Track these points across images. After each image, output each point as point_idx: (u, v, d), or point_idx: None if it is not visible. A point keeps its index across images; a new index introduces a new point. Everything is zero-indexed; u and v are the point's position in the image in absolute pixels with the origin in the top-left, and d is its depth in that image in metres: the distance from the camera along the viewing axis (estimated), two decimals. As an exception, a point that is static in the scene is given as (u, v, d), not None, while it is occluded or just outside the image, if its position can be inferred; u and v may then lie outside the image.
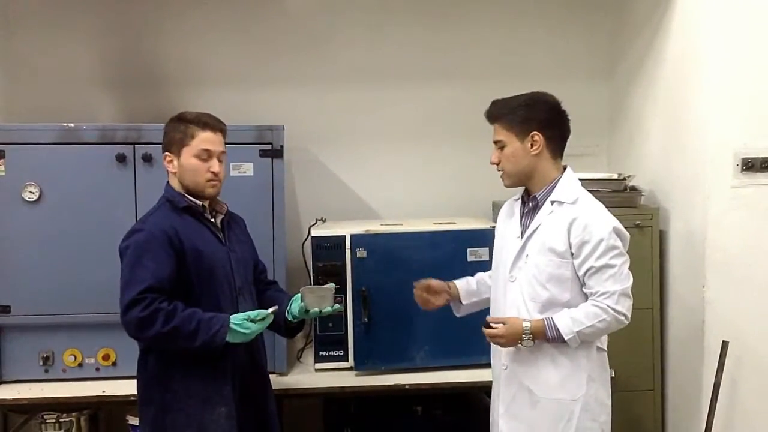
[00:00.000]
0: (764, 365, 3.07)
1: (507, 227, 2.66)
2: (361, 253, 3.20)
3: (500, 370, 2.61)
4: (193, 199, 2.60)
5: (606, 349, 2.57)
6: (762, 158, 3.02)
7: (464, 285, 2.81)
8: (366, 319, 3.19)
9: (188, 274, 2.53)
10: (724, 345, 2.99)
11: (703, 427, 3.01)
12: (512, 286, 2.56)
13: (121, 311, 2.47)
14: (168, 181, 2.65)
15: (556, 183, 2.53)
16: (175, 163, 2.58)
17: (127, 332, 2.50)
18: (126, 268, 2.50)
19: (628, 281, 2.44)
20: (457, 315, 2.84)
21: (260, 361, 2.76)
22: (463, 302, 2.80)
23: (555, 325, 2.43)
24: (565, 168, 2.58)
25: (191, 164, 2.56)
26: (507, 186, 2.61)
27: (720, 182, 3.04)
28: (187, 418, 2.54)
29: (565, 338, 2.42)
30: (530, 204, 2.58)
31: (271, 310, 2.57)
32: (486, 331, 2.50)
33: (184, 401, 2.54)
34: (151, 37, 3.88)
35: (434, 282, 2.77)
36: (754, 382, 3.07)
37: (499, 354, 2.61)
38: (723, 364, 2.98)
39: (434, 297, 2.76)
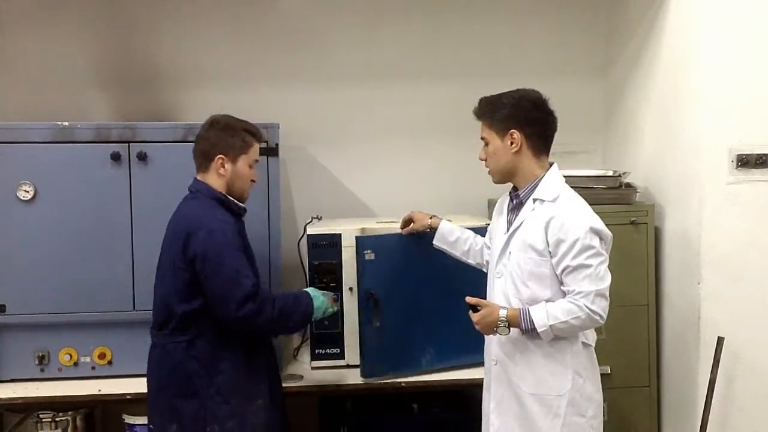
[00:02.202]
0: (759, 361, 3.08)
1: (497, 223, 2.71)
2: (370, 255, 3.07)
3: (491, 365, 2.64)
4: (236, 201, 2.76)
5: (593, 344, 2.58)
6: (757, 154, 3.03)
7: (444, 231, 2.98)
8: (378, 323, 3.07)
9: None
10: (720, 341, 3.00)
11: (699, 423, 3.02)
12: (498, 281, 2.60)
13: (233, 307, 2.57)
14: (202, 180, 2.72)
15: (539, 180, 2.54)
16: (228, 167, 2.71)
17: (239, 325, 2.61)
18: (221, 267, 2.58)
19: (605, 282, 2.42)
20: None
21: (277, 363, 2.94)
22: (434, 242, 2.99)
23: (530, 316, 2.44)
24: (552, 164, 2.59)
25: (245, 171, 2.75)
26: (495, 182, 2.67)
27: (715, 179, 3.04)
28: (230, 411, 2.64)
29: (538, 330, 2.42)
30: (515, 201, 2.62)
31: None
32: (470, 313, 2.53)
33: (229, 395, 2.64)
34: (145, 35, 3.87)
35: (417, 216, 3.07)
36: (749, 379, 3.08)
37: (489, 349, 2.65)
38: (718, 361, 2.99)
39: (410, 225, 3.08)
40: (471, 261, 2.94)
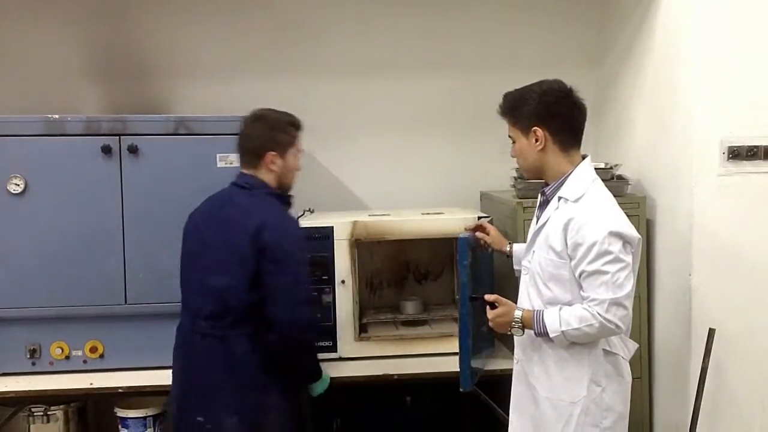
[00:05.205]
0: (750, 352, 3.09)
1: (535, 217, 2.63)
2: (472, 257, 2.77)
3: (514, 363, 2.61)
4: (288, 195, 2.82)
5: (621, 353, 2.48)
6: (748, 146, 3.03)
7: (519, 252, 2.76)
8: (485, 329, 2.75)
9: None
10: (711, 332, 3.01)
11: (690, 413, 3.03)
12: (524, 278, 2.55)
13: (289, 308, 2.61)
14: (253, 175, 2.74)
15: (566, 178, 2.45)
16: (279, 162, 2.74)
17: (284, 328, 2.60)
18: (291, 267, 2.64)
19: (623, 290, 2.31)
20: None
21: None
22: (515, 266, 2.80)
23: (543, 320, 2.38)
24: (584, 157, 2.50)
25: (294, 164, 2.81)
26: (528, 179, 2.61)
27: (706, 171, 3.04)
28: (287, 402, 2.72)
29: (550, 335, 2.37)
30: (542, 198, 2.55)
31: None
32: (487, 309, 2.49)
33: (287, 386, 2.71)
34: (136, 27, 3.85)
35: (494, 233, 2.90)
36: (740, 369, 3.09)
37: (515, 347, 2.61)
38: (710, 351, 3.00)
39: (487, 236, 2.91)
40: None
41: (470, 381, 2.76)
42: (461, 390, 2.74)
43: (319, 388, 2.83)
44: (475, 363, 2.89)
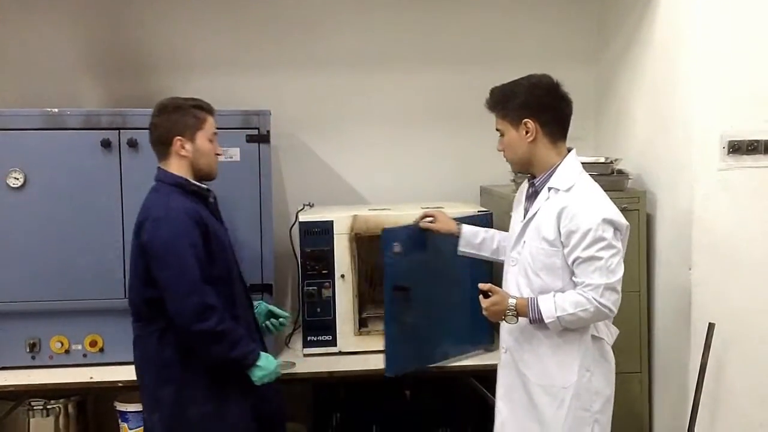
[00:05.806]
0: (750, 347, 3.09)
1: (516, 210, 2.68)
2: (398, 248, 2.94)
3: (501, 353, 2.65)
4: (198, 183, 2.68)
5: (606, 338, 2.56)
6: (748, 141, 3.03)
7: (468, 235, 2.86)
8: (410, 320, 2.99)
9: (210, 260, 2.59)
10: (711, 327, 3.01)
11: (690, 408, 3.03)
12: (512, 269, 2.59)
13: (178, 300, 2.51)
14: (163, 168, 2.66)
15: (555, 169, 2.51)
16: (188, 147, 2.64)
17: (180, 321, 2.52)
18: (166, 257, 2.53)
19: (616, 275, 2.40)
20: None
21: (264, 345, 2.88)
22: (459, 248, 2.86)
23: (538, 307, 2.44)
24: (569, 150, 2.55)
25: (206, 147, 2.68)
26: (515, 172, 2.62)
27: (706, 165, 3.04)
28: (209, 395, 2.61)
29: (546, 321, 2.42)
30: (530, 190, 2.59)
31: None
32: (480, 298, 2.51)
33: (206, 379, 2.60)
34: (136, 21, 3.85)
35: (441, 218, 2.91)
36: (740, 364, 3.09)
37: (501, 336, 2.64)
38: (709, 346, 3.00)
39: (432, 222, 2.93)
40: (502, 258, 2.78)
41: (394, 368, 2.89)
42: (385, 375, 2.89)
43: (258, 374, 2.62)
44: (422, 353, 3.02)
